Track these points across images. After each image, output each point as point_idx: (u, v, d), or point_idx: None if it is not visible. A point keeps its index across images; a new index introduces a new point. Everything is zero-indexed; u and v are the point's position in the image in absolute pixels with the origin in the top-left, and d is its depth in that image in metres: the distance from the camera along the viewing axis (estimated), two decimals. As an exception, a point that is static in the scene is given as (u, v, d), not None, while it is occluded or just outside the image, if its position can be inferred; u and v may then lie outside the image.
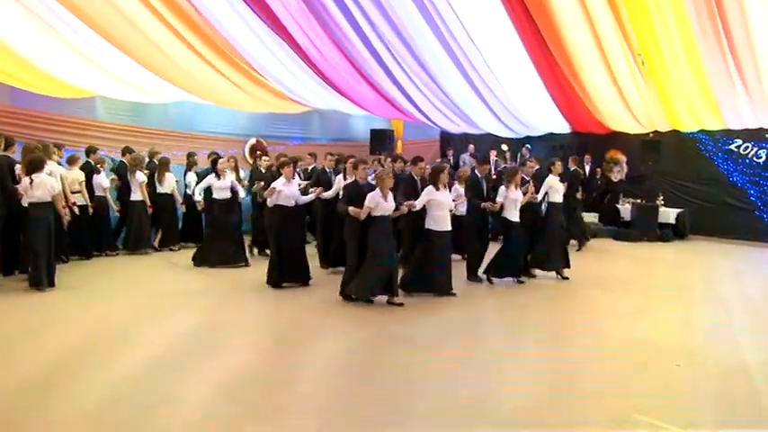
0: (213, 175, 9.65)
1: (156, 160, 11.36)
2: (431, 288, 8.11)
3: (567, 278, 9.47)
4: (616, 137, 15.05)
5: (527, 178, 9.33)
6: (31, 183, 7.89)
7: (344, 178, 9.25)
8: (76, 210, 9.56)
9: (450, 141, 18.49)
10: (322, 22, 9.25)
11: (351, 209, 7.40)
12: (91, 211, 10.15)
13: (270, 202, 8.38)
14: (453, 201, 8.64)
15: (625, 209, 14.92)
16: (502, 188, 8.93)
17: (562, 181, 9.87)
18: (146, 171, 10.93)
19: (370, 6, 8.75)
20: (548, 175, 9.68)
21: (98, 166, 10.47)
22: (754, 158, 13.94)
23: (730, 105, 11.37)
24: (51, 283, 8.17)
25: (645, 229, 14.11)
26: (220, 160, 9.73)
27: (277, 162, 9.15)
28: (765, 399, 5.07)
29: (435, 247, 7.99)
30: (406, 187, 8.68)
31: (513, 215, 8.91)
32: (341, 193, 9.20)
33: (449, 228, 8.07)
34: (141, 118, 12.55)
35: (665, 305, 8.33)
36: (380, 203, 7.42)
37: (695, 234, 14.46)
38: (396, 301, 7.58)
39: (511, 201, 8.85)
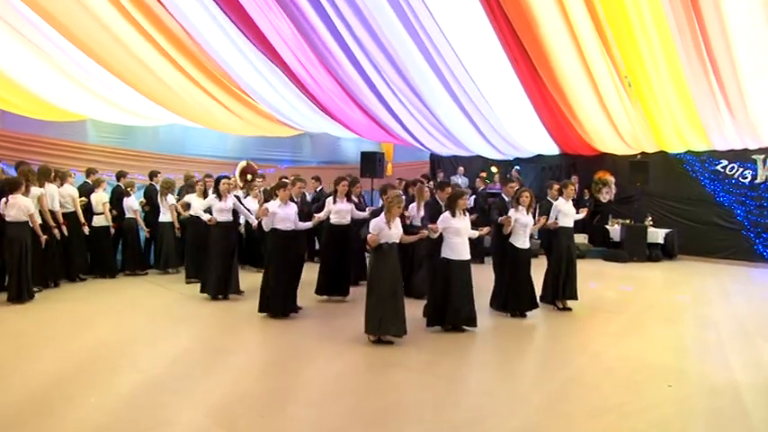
0: (215, 195, 9.30)
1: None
2: (453, 321, 7.52)
3: (570, 309, 8.92)
4: (604, 158, 15.28)
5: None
6: (6, 203, 8.40)
7: (334, 201, 9.19)
8: (64, 230, 9.64)
9: (439, 163, 18.61)
10: (315, 48, 9.35)
11: (368, 236, 6.91)
12: (113, 231, 10.71)
13: (265, 225, 8.11)
14: (479, 230, 8.01)
15: (614, 229, 15.01)
16: (511, 210, 8.30)
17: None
18: (176, 195, 11.39)
19: (361, 31, 8.85)
20: (557, 198, 8.99)
21: (128, 189, 10.98)
22: (740, 179, 14.12)
23: (716, 127, 11.55)
24: (29, 296, 8.63)
25: (634, 250, 14.20)
26: (222, 180, 9.34)
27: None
28: (755, 418, 5.10)
29: (454, 276, 7.41)
30: (432, 213, 8.16)
31: (521, 241, 8.29)
32: (332, 216, 9.14)
33: (468, 256, 7.54)
34: (132, 141, 12.55)
35: (655, 325, 8.37)
36: (384, 230, 6.88)
37: (684, 254, 14.58)
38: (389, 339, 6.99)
39: (520, 225, 8.22)
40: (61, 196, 9.85)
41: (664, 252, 14.51)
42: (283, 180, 8.79)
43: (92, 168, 11.02)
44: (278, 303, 8.12)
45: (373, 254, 7.03)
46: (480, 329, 7.59)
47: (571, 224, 9.00)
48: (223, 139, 14.11)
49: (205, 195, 10.32)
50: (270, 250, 8.18)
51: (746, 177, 14.03)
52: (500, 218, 8.31)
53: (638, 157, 14.64)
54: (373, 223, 6.96)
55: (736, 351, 7.07)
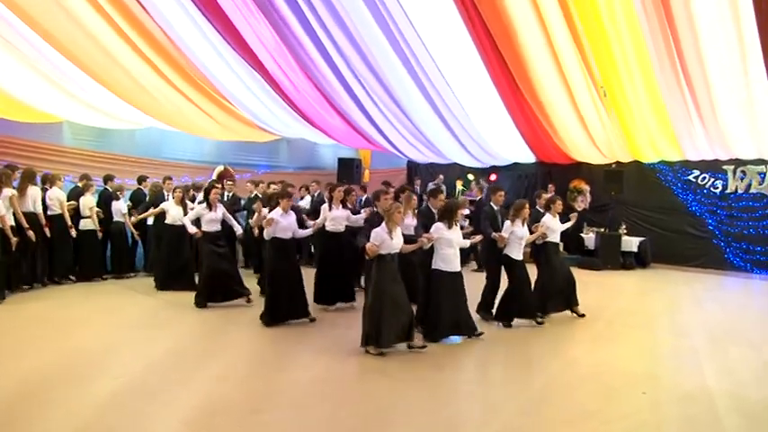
0: (204, 205, 9.08)
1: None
2: (448, 333, 7.48)
3: (583, 315, 8.98)
4: (580, 167, 15.43)
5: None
6: None
7: (329, 208, 9.05)
8: (47, 232, 9.73)
9: (416, 170, 18.70)
10: (294, 53, 9.35)
11: (368, 245, 6.73)
12: (100, 235, 10.87)
13: (267, 234, 8.00)
14: (471, 239, 8.14)
15: (589, 238, 15.16)
16: (507, 223, 8.31)
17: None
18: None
19: (341, 37, 8.88)
20: (545, 213, 8.99)
21: (117, 193, 11.16)
22: (712, 189, 14.38)
23: (688, 138, 11.76)
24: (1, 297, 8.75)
25: (608, 258, 14.35)
26: (213, 190, 9.13)
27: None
28: (727, 424, 5.19)
29: (447, 288, 7.36)
30: (425, 222, 8.04)
31: (516, 253, 8.33)
32: (327, 223, 8.99)
33: (459, 268, 7.51)
34: (108, 144, 12.43)
35: (630, 332, 8.48)
36: (386, 241, 6.77)
37: (657, 262, 14.78)
38: (417, 344, 6.98)
39: (516, 237, 8.25)
40: (49, 199, 9.95)
41: (637, 260, 14.69)
42: (288, 190, 8.75)
43: (85, 174, 11.00)
44: (281, 311, 8.10)
45: (375, 265, 6.86)
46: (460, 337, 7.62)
47: (558, 239, 9.09)
48: (200, 143, 14.04)
49: (182, 202, 10.25)
50: (272, 259, 8.08)
51: (717, 187, 14.30)
52: (494, 233, 8.29)
53: (613, 166, 14.81)
54: (375, 234, 6.78)
55: (708, 358, 7.18)
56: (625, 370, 6.69)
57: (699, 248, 14.55)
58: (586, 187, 15.58)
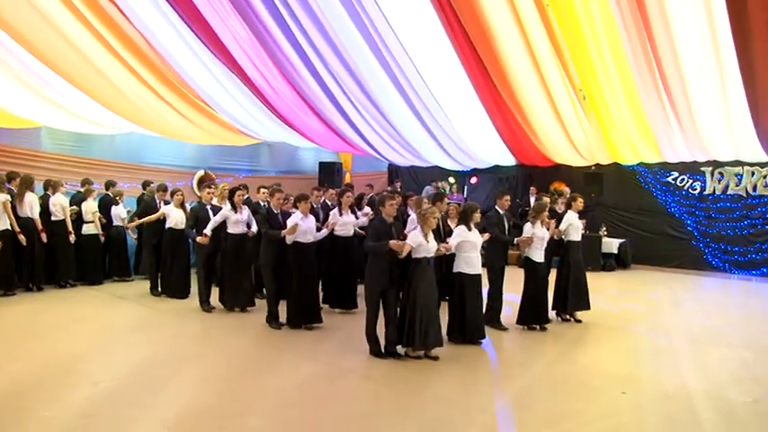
0: (229, 207, 9.01)
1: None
2: (469, 337, 7.52)
3: (579, 321, 8.94)
4: (559, 169, 15.48)
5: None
6: None
7: (340, 213, 9.11)
8: (44, 237, 9.90)
9: (397, 173, 18.70)
10: (273, 56, 9.34)
11: (393, 242, 6.57)
12: (102, 239, 11.07)
13: (289, 240, 7.94)
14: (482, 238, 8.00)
15: (569, 239, 15.21)
16: (527, 225, 8.34)
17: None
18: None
19: (320, 41, 8.88)
20: (566, 211, 9.11)
21: (116, 198, 11.33)
22: (690, 190, 14.53)
23: (666, 140, 11.86)
24: None
25: (588, 260, 14.33)
26: (238, 192, 9.09)
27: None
28: (706, 423, 5.25)
29: (469, 291, 7.43)
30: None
31: (538, 255, 8.36)
32: (337, 228, 8.99)
33: (480, 270, 7.57)
34: (88, 149, 12.33)
35: (610, 333, 8.54)
36: (423, 244, 6.68)
37: (637, 263, 14.91)
38: (411, 353, 6.88)
39: (537, 239, 8.25)
40: (52, 205, 10.17)
41: (617, 261, 14.79)
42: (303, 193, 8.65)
43: (87, 179, 11.23)
44: (309, 313, 8.18)
45: (414, 269, 6.73)
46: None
47: (579, 237, 9.08)
48: (181, 147, 13.94)
49: (183, 206, 10.19)
50: (296, 264, 8.06)
51: (696, 189, 14.47)
52: (518, 238, 8.34)
53: (593, 168, 14.90)
54: (412, 236, 6.71)
55: (687, 358, 7.26)
56: (605, 371, 6.74)
57: (678, 249, 14.69)
58: (567, 189, 15.64)
